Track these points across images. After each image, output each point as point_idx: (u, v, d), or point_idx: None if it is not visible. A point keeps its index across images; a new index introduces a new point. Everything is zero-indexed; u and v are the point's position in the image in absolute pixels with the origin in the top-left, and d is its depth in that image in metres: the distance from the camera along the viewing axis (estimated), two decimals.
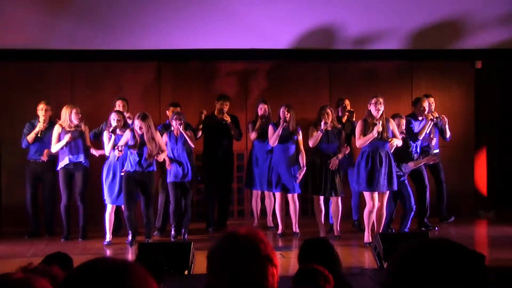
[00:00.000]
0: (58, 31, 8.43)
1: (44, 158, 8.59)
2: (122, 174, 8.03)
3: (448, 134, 9.17)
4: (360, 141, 7.80)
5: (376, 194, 7.78)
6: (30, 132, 8.62)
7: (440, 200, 9.34)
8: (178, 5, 8.43)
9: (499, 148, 10.55)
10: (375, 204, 7.78)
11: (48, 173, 8.75)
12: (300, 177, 8.51)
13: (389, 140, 7.76)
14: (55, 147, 8.45)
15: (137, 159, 7.89)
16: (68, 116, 8.43)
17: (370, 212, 7.81)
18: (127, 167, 7.94)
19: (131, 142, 7.89)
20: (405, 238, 6.87)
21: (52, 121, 8.74)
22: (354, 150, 8.75)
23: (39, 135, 8.61)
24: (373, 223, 7.94)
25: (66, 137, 8.37)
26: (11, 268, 2.40)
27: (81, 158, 8.46)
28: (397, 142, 7.88)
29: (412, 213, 8.42)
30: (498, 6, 8.84)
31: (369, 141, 7.73)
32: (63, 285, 1.50)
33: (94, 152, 8.49)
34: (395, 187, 7.84)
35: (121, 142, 7.88)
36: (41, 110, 8.61)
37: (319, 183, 8.33)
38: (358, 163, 7.89)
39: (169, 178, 8.42)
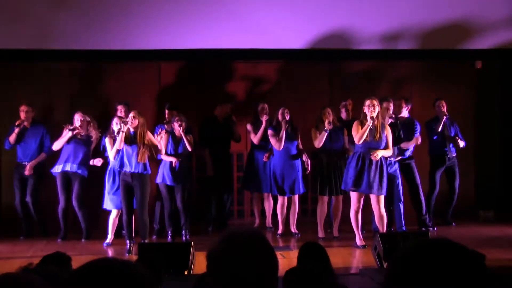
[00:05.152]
0: (58, 31, 8.43)
1: (27, 171, 8.67)
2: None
3: (461, 144, 9.16)
4: (357, 137, 7.70)
5: (361, 196, 7.71)
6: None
7: (448, 205, 9.34)
8: (178, 5, 8.43)
9: (499, 148, 10.54)
10: (360, 206, 7.73)
11: (33, 178, 8.76)
12: (309, 167, 8.57)
13: (372, 153, 7.62)
14: (55, 144, 8.48)
15: (127, 158, 7.79)
16: (73, 120, 8.49)
17: (356, 213, 7.75)
18: (119, 166, 7.86)
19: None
20: (405, 238, 6.87)
21: (36, 122, 8.79)
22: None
23: (20, 133, 8.61)
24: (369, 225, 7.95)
25: (67, 135, 8.39)
26: (11, 268, 2.40)
27: (75, 168, 8.48)
28: (384, 153, 7.74)
29: (402, 205, 8.42)
30: (498, 7, 8.84)
31: (366, 133, 7.64)
32: (65, 285, 1.50)
33: (96, 162, 8.45)
34: (383, 192, 7.72)
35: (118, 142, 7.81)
36: (22, 111, 8.68)
37: (324, 184, 8.33)
38: (348, 163, 7.84)
39: (160, 179, 8.39)
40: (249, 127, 9.14)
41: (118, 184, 8.10)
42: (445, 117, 9.06)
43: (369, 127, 7.61)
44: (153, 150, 7.96)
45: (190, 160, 8.64)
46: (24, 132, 8.69)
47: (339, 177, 8.32)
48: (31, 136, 8.73)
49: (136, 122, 7.78)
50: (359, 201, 7.72)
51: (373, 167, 7.66)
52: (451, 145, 9.21)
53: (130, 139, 7.78)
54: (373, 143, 7.69)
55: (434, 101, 9.30)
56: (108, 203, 8.26)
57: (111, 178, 8.23)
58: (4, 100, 9.43)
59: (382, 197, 7.73)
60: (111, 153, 8.06)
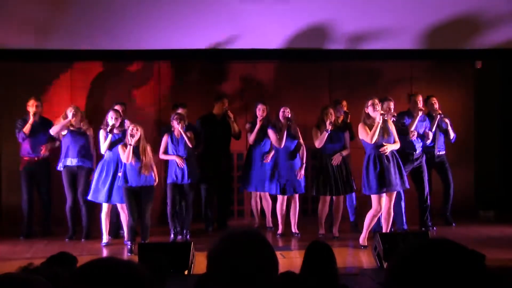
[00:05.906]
0: (58, 31, 8.43)
1: (44, 152, 8.67)
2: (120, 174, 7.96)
3: (452, 135, 9.14)
4: (369, 136, 7.60)
5: (384, 197, 7.68)
6: (23, 126, 8.67)
7: (446, 201, 9.33)
8: (178, 5, 8.43)
9: (499, 148, 10.55)
10: (382, 208, 7.66)
11: (42, 171, 8.78)
12: (302, 173, 8.54)
13: (381, 149, 7.62)
14: (53, 129, 8.49)
15: (134, 172, 7.77)
16: (65, 113, 8.49)
17: (374, 216, 7.69)
18: (124, 181, 7.78)
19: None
20: (405, 238, 6.87)
21: (43, 118, 8.81)
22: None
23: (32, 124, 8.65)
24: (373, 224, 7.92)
25: (66, 120, 8.40)
26: (11, 268, 2.40)
27: (80, 162, 8.49)
28: (393, 147, 7.75)
29: (403, 203, 8.43)
30: (499, 6, 8.84)
31: (378, 131, 7.55)
32: (66, 284, 1.50)
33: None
34: (407, 185, 7.79)
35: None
36: (32, 106, 8.68)
37: (325, 184, 8.32)
38: (366, 167, 7.71)
39: (169, 180, 8.42)
40: (247, 126, 9.16)
41: (110, 178, 8.08)
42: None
43: (380, 124, 7.58)
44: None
45: (195, 158, 8.65)
46: (34, 126, 8.69)
47: (339, 177, 8.32)
48: (41, 130, 8.73)
49: (138, 135, 7.75)
50: (380, 205, 7.63)
51: (391, 164, 7.64)
52: (440, 142, 9.16)
53: (132, 153, 7.77)
54: (384, 141, 7.67)
55: (426, 98, 9.21)
56: (93, 194, 8.19)
57: (103, 171, 8.15)
58: (4, 100, 9.43)
59: (394, 194, 7.73)
60: (102, 146, 8.07)
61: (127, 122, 8.31)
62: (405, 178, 7.76)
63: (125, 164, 7.78)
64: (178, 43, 8.82)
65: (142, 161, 7.74)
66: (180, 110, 8.71)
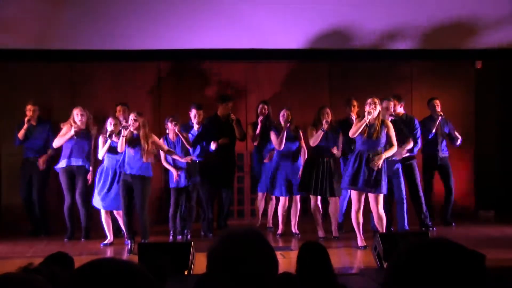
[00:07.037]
0: (58, 31, 8.43)
1: (41, 166, 8.76)
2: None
3: (458, 141, 9.23)
4: (352, 130, 7.69)
5: (361, 195, 7.68)
6: (20, 131, 8.78)
7: (446, 205, 9.34)
8: (178, 5, 8.43)
9: (499, 148, 10.55)
10: (361, 206, 7.69)
11: (38, 173, 8.83)
12: (300, 173, 8.56)
13: (372, 163, 7.60)
14: (56, 142, 8.51)
15: (128, 160, 7.80)
16: (72, 116, 8.51)
17: (357, 213, 7.69)
18: (119, 166, 7.90)
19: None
20: (405, 238, 6.85)
21: (42, 120, 8.88)
22: None
23: (27, 130, 8.75)
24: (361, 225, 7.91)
25: (68, 134, 8.41)
26: (11, 268, 2.40)
27: (81, 162, 8.51)
28: (388, 154, 7.72)
29: (405, 205, 8.40)
30: (498, 6, 8.84)
31: (361, 128, 7.61)
32: (66, 285, 1.50)
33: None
34: (383, 190, 7.69)
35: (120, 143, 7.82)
36: (29, 110, 8.81)
37: (316, 183, 8.32)
38: (348, 162, 7.85)
39: (171, 184, 8.46)
40: (250, 128, 9.19)
41: (108, 184, 8.12)
42: (440, 118, 9.08)
43: (365, 123, 7.60)
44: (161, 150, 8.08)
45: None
46: (31, 129, 8.80)
47: (328, 179, 8.29)
48: (37, 133, 8.84)
49: (137, 124, 7.78)
50: (359, 201, 7.68)
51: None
52: (443, 145, 9.19)
53: (132, 141, 7.78)
54: (370, 142, 7.67)
55: (428, 101, 9.30)
56: (97, 201, 8.25)
57: (102, 177, 8.19)
58: (4, 100, 9.43)
59: (380, 197, 7.71)
60: (100, 152, 8.11)
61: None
62: (383, 183, 7.64)
63: (125, 153, 7.80)
64: (178, 43, 8.82)
65: (144, 148, 7.75)
66: (194, 111, 8.73)
